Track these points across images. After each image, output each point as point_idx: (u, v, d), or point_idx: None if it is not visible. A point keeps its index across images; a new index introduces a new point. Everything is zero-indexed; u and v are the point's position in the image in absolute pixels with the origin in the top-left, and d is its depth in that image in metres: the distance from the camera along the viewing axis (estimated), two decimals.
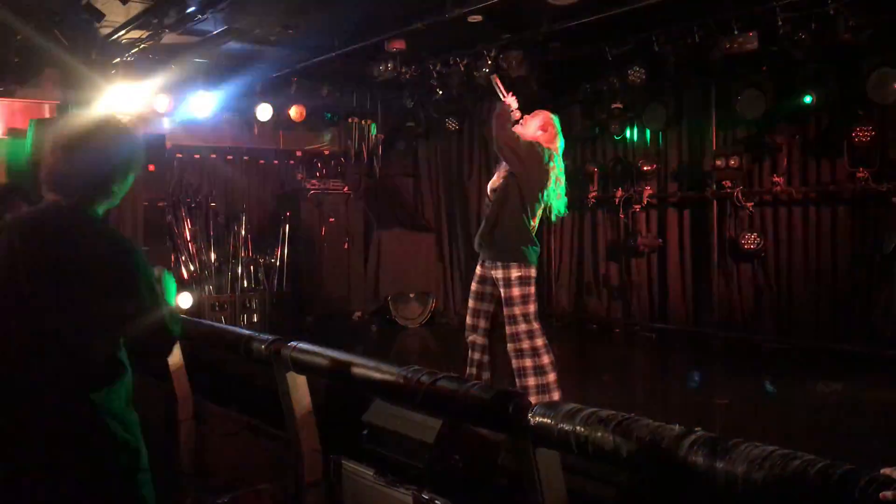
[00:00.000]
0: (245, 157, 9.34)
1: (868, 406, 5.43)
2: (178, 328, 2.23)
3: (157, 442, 2.45)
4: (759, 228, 7.53)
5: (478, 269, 4.75)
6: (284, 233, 9.20)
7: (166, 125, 8.48)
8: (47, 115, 7.59)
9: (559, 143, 4.83)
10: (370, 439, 3.83)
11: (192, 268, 8.62)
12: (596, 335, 8.73)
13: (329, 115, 9.65)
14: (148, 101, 7.73)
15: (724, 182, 7.65)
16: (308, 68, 8.13)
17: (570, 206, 4.98)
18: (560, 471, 2.53)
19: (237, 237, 9.01)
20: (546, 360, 4.48)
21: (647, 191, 8.37)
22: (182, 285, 8.46)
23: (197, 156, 9.01)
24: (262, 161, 9.50)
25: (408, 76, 7.89)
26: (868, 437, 4.62)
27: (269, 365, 3.85)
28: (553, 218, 4.86)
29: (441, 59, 7.73)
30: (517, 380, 4.47)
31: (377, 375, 3.15)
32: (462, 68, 7.62)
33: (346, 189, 9.44)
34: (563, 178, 4.71)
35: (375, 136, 9.72)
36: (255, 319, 8.80)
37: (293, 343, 3.73)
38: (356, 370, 3.32)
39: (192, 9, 5.89)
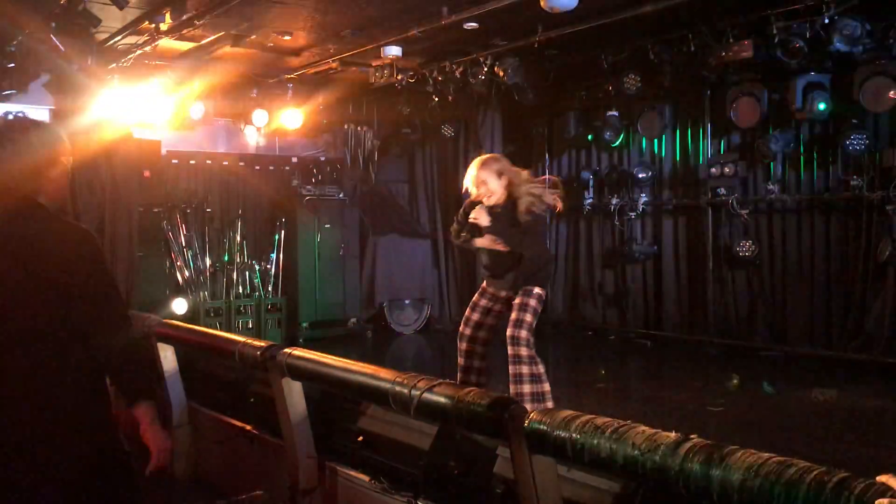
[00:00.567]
0: (240, 163, 9.33)
1: (862, 413, 5.45)
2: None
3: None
4: (753, 235, 7.56)
5: (489, 289, 4.70)
6: (280, 239, 9.20)
7: (162, 131, 8.46)
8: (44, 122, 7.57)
9: (519, 178, 4.53)
10: (365, 446, 3.82)
11: (186, 273, 8.60)
12: (591, 342, 8.74)
13: None
14: (146, 108, 7.69)
15: (718, 189, 7.68)
16: (304, 74, 8.15)
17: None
18: (556, 478, 2.53)
19: (232, 243, 9.00)
20: (542, 368, 4.49)
21: (643, 198, 8.40)
22: (177, 291, 8.45)
23: (192, 161, 9.00)
24: (257, 167, 9.49)
25: (404, 82, 7.91)
26: (863, 444, 4.63)
27: (264, 371, 3.83)
28: None
29: (437, 66, 7.75)
30: (513, 386, 4.47)
31: (372, 381, 3.15)
32: (458, 75, 7.64)
33: (341, 195, 9.44)
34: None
35: (371, 142, 9.72)
36: (250, 325, 8.79)
37: (288, 349, 3.72)
38: (351, 376, 3.31)
39: (188, 14, 5.89)
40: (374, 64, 7.64)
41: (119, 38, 6.57)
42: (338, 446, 3.95)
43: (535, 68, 7.64)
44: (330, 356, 3.57)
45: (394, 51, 7.08)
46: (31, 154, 2.28)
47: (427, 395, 2.83)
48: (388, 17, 6.34)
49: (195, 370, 5.16)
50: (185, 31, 6.29)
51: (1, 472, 2.12)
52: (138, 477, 2.29)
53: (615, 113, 8.35)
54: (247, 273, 8.99)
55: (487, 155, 4.73)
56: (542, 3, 5.32)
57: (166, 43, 6.68)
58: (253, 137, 9.10)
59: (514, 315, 4.49)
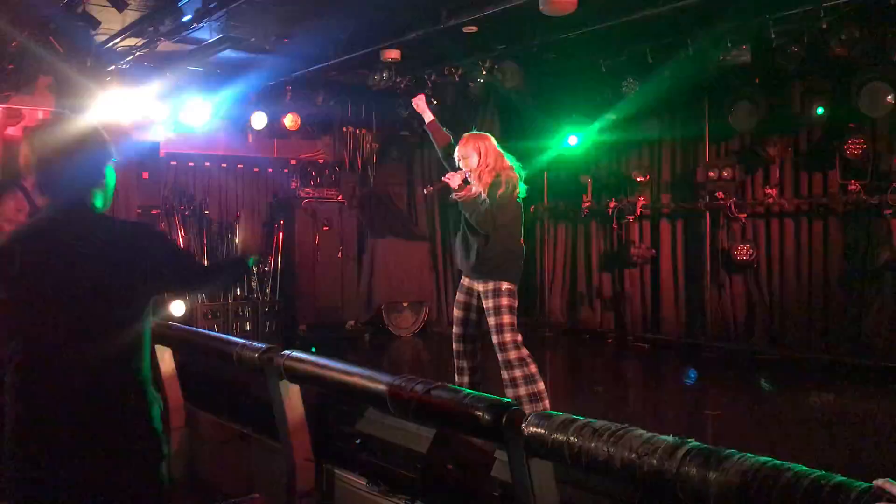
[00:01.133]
0: (239, 165, 9.32)
1: (860, 417, 5.45)
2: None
3: None
4: (751, 240, 7.57)
5: (464, 280, 4.77)
6: (278, 241, 9.19)
7: (160, 133, 8.46)
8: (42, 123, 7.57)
9: (499, 156, 4.62)
10: (363, 449, 3.82)
11: None
12: (589, 345, 8.74)
13: None
14: (145, 110, 7.70)
15: (716, 193, 7.69)
16: (303, 77, 8.15)
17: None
18: (553, 481, 2.53)
19: (231, 245, 9.00)
20: (535, 368, 4.51)
21: (641, 202, 8.41)
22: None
23: (191, 163, 8.99)
24: (256, 169, 9.49)
25: (403, 86, 7.91)
26: (860, 448, 4.63)
27: (262, 374, 3.83)
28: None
29: (436, 69, 7.75)
30: (509, 390, 4.48)
31: (370, 385, 3.15)
32: (457, 78, 7.65)
33: (340, 198, 9.44)
34: (521, 175, 4.66)
35: (370, 145, 9.72)
36: (248, 328, 8.78)
37: (286, 352, 3.71)
38: (349, 379, 3.31)
39: (187, 17, 5.90)
40: (373, 67, 7.65)
41: (118, 39, 6.57)
42: (335, 449, 3.95)
43: (533, 72, 7.65)
44: (328, 359, 3.57)
45: (393, 54, 7.09)
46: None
47: (425, 399, 2.83)
48: (387, 20, 6.35)
49: (193, 372, 5.15)
50: (184, 34, 6.29)
51: (63, 470, 2.15)
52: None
53: (613, 116, 8.35)
54: (245, 275, 8.98)
55: (477, 132, 4.79)
56: (540, 8, 5.33)
57: (165, 45, 6.68)
58: (251, 139, 9.11)
59: (490, 322, 4.52)
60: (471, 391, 2.83)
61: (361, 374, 3.26)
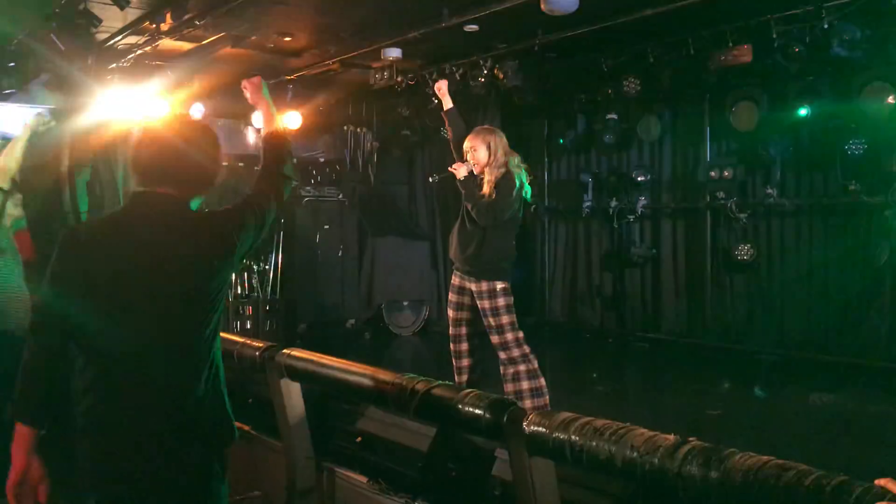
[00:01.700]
0: (240, 164, 9.32)
1: (861, 416, 5.45)
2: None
3: None
4: (752, 239, 7.57)
5: (454, 280, 4.76)
6: (278, 240, 9.19)
7: None
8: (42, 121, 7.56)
9: (508, 154, 4.66)
10: (363, 447, 3.82)
11: None
12: (589, 344, 8.74)
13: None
14: (146, 108, 7.69)
15: (717, 193, 7.68)
16: (304, 75, 8.15)
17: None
18: (555, 480, 2.53)
19: None
20: (536, 363, 4.53)
21: (641, 201, 8.40)
22: None
23: None
24: (256, 167, 9.48)
25: (404, 85, 7.91)
26: (861, 448, 4.63)
27: (263, 372, 3.83)
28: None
29: (437, 68, 7.75)
30: (511, 385, 4.49)
31: (371, 383, 3.14)
32: (458, 77, 7.64)
33: (340, 196, 9.44)
34: (524, 176, 4.67)
35: (371, 143, 9.72)
36: (249, 326, 8.78)
37: (287, 350, 3.71)
38: (350, 377, 3.31)
39: (188, 15, 5.89)
40: (374, 66, 7.65)
41: (119, 37, 6.57)
42: (336, 447, 3.95)
43: (534, 71, 7.65)
44: (328, 357, 3.56)
45: (394, 53, 7.08)
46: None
47: (425, 397, 2.83)
48: (388, 19, 6.35)
49: None
50: (185, 32, 6.29)
51: (141, 461, 2.20)
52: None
53: (614, 116, 8.36)
54: (245, 274, 8.98)
55: (489, 126, 4.81)
56: (542, 6, 5.33)
57: (167, 43, 6.68)
58: (252, 138, 9.11)
59: (490, 323, 4.51)
60: (472, 389, 2.83)
61: (362, 373, 3.26)
